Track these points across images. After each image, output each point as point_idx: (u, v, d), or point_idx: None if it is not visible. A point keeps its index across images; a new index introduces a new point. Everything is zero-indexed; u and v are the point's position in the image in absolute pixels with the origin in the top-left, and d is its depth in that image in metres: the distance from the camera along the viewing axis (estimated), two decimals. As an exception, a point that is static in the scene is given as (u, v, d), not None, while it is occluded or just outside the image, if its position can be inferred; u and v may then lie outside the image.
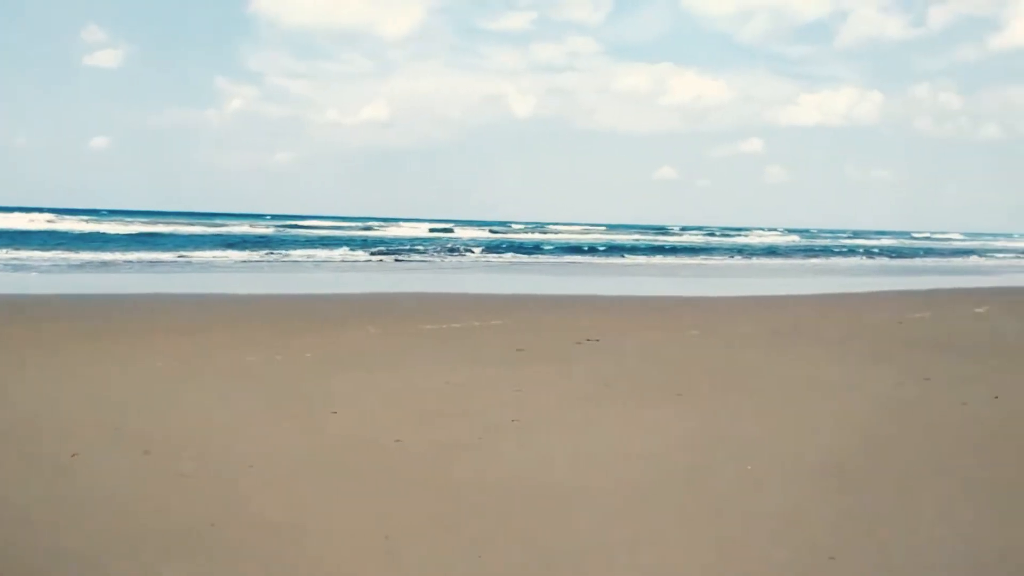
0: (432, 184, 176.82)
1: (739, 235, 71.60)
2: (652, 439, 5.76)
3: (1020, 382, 7.69)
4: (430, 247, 37.81)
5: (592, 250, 41.14)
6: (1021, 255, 52.73)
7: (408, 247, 37.81)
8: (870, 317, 13.62)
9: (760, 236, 71.03)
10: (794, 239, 67.39)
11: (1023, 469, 5.18)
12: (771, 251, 47.26)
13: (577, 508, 4.41)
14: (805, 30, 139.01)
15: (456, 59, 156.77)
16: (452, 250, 35.93)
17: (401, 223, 65.12)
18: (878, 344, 10.42)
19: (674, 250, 43.10)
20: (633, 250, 42.36)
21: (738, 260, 38.89)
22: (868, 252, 50.67)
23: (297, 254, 31.06)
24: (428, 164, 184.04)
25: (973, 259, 46.67)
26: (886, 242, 68.19)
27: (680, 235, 69.61)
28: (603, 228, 74.29)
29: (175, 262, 25.96)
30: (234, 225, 52.87)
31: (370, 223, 61.62)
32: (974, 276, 28.96)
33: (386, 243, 40.29)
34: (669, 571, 3.68)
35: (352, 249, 34.78)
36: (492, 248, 38.85)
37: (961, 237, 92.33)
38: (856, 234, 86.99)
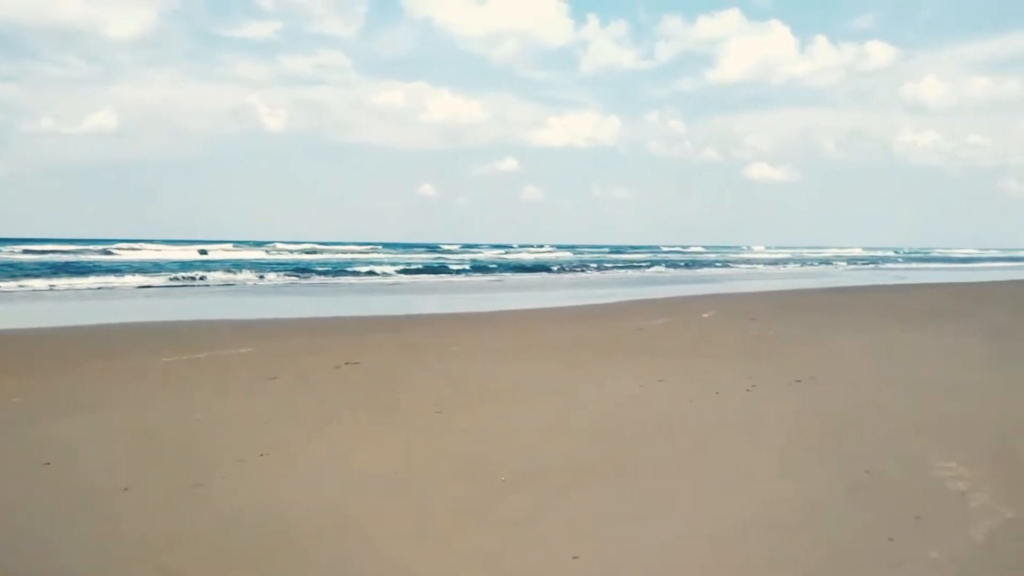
0: (178, 202, 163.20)
1: (508, 252, 74.45)
2: (409, 461, 5.70)
3: (735, 379, 8.68)
4: (179, 270, 34.88)
5: (373, 272, 40.34)
6: (747, 264, 60.76)
7: (154, 270, 34.66)
8: (616, 325, 14.73)
9: (534, 253, 74.24)
10: (567, 255, 71.18)
11: (744, 456, 5.81)
12: (543, 266, 49.39)
13: (325, 539, 4.22)
14: (551, 56, 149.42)
15: (195, 67, 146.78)
16: (202, 274, 33.20)
17: (142, 244, 58.90)
18: (620, 349, 11.29)
19: (445, 269, 43.59)
20: (415, 271, 42.11)
21: (521, 276, 40.18)
22: (656, 263, 55.28)
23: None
24: (170, 180, 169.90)
25: (707, 269, 52.54)
26: (641, 256, 74.41)
27: (466, 252, 70.57)
28: (374, 247, 73.66)
29: None
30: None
31: (109, 245, 55.31)
32: (707, 284, 32.53)
33: (129, 267, 36.56)
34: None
35: (75, 276, 30.33)
36: (251, 269, 36.75)
37: (702, 249, 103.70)
38: (615, 249, 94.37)
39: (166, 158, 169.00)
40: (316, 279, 33.65)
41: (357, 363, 9.73)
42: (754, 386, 8.31)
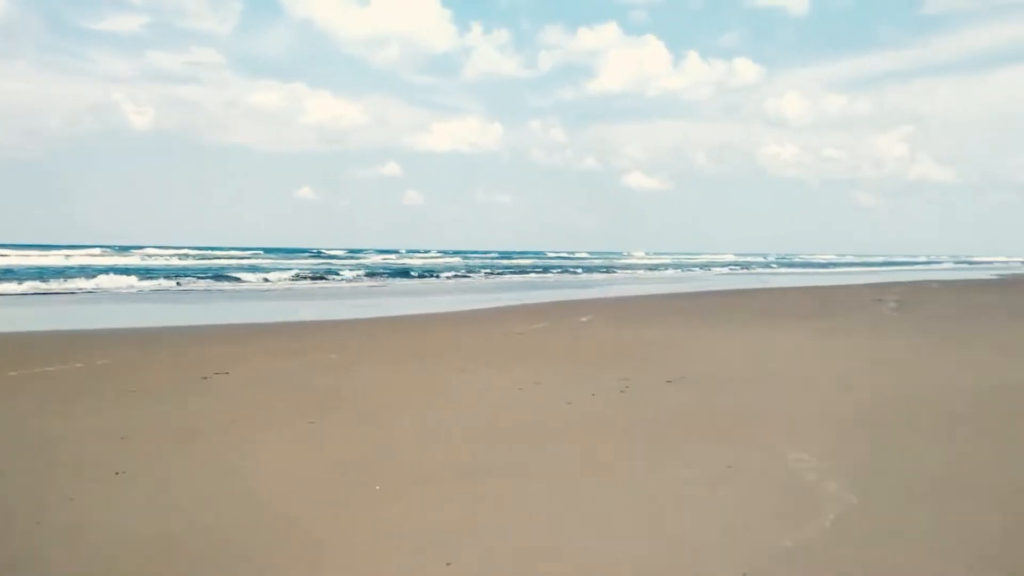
0: (33, 203, 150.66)
1: (399, 257, 73.59)
2: (279, 474, 5.49)
3: (610, 380, 8.91)
4: (37, 277, 32.25)
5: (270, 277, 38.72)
6: (628, 269, 62.70)
7: (7, 277, 31.94)
8: (497, 329, 14.82)
9: (422, 259, 73.60)
10: (455, 260, 70.97)
11: (616, 455, 5.94)
12: (430, 272, 49.03)
13: (187, 563, 3.98)
14: (435, 62, 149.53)
15: (52, 60, 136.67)
16: (63, 280, 30.81)
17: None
18: (500, 354, 11.36)
19: (330, 274, 42.45)
20: (298, 276, 40.69)
21: (408, 282, 39.66)
22: (540, 269, 55.79)
23: None
24: (22, 180, 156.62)
25: (590, 275, 53.81)
26: (528, 261, 75.33)
27: (352, 258, 68.96)
28: (255, 252, 70.96)
29: None
30: None
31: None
32: (588, 289, 33.31)
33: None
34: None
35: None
36: (120, 274, 34.47)
37: (587, 255, 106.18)
38: (503, 255, 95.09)
39: (15, 156, 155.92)
40: (191, 285, 32.01)
41: (227, 373, 9.31)
42: (628, 387, 8.55)
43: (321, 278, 39.71)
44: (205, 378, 9.02)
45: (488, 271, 52.29)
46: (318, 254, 74.78)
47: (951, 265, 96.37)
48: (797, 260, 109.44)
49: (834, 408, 7.57)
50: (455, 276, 46.07)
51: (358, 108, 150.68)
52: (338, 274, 42.18)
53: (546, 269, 57.74)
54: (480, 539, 4.32)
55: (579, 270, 58.92)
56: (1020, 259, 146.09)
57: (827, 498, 4.88)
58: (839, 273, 58.45)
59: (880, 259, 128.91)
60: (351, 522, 4.59)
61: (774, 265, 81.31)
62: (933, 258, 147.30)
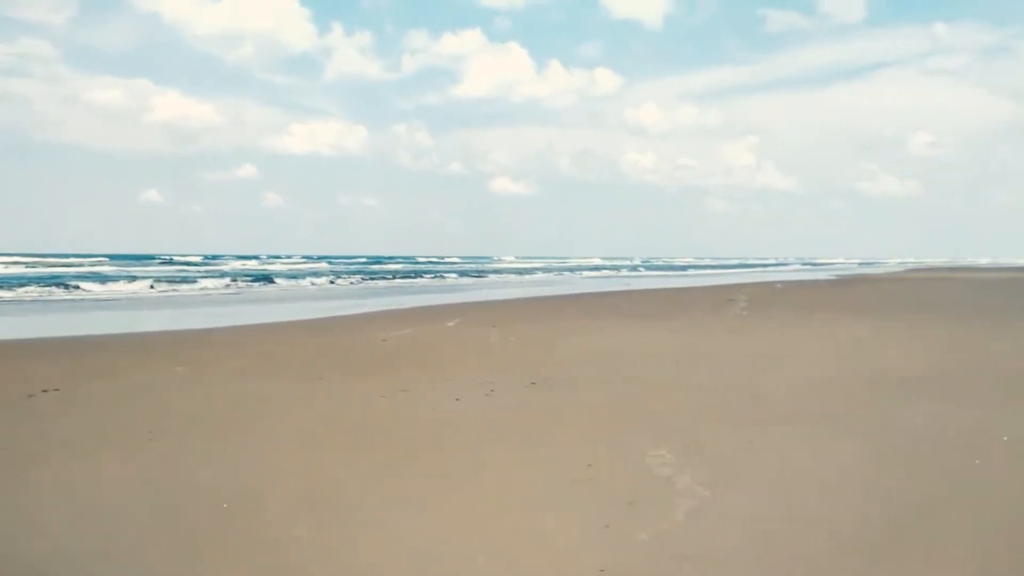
0: None
1: (262, 264, 70.70)
2: (116, 496, 5.05)
3: (475, 385, 8.83)
4: None
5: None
6: (497, 274, 63.26)
7: None
8: (361, 336, 14.44)
9: (286, 264, 70.91)
10: (323, 266, 68.80)
11: (479, 458, 5.85)
12: (292, 277, 47.31)
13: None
14: (293, 62, 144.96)
15: None
16: None
17: None
18: (363, 360, 11.05)
19: (185, 281, 40.03)
20: (145, 283, 38.06)
21: (267, 288, 37.98)
22: (410, 274, 54.76)
23: None
24: None
25: (459, 279, 53.84)
26: (397, 267, 74.28)
27: (209, 264, 65.29)
28: (99, 259, 65.95)
29: None
30: None
31: None
32: (456, 293, 33.24)
33: None
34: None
35: None
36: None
37: (458, 260, 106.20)
38: (373, 260, 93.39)
39: None
40: (23, 294, 29.24)
41: (57, 390, 8.48)
42: (493, 391, 8.50)
43: (171, 284, 37.50)
44: (31, 396, 8.17)
45: (355, 276, 51.19)
46: (171, 261, 70.28)
47: (798, 267, 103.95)
48: (660, 263, 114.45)
49: (690, 406, 7.84)
50: (321, 281, 44.79)
51: (211, 108, 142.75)
52: (195, 281, 39.92)
53: (416, 274, 57.27)
54: (335, 554, 4.10)
55: (448, 275, 58.86)
56: (856, 260, 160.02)
57: (681, 492, 5.00)
58: (697, 275, 61.61)
59: (734, 262, 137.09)
60: (192, 544, 4.28)
61: (642, 269, 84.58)
62: (781, 260, 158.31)
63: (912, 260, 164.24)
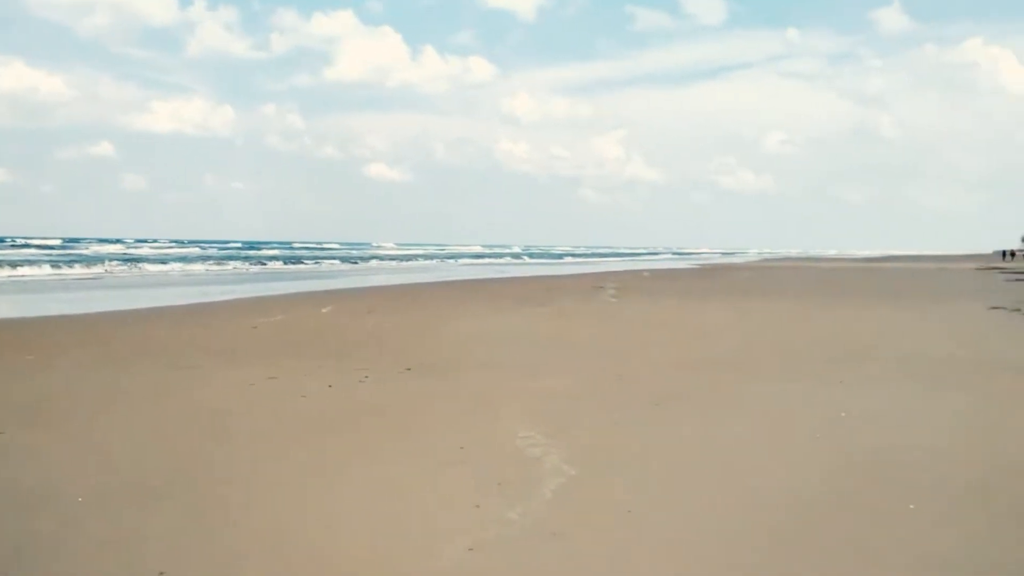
0: None
1: (116, 247, 66.28)
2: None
3: (349, 371, 8.76)
4: None
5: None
6: (376, 260, 62.30)
7: None
8: (230, 323, 13.93)
9: (155, 249, 66.73)
10: (193, 250, 65.27)
11: (349, 445, 5.82)
12: (161, 262, 44.74)
13: None
14: (152, 35, 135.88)
15: None
16: None
17: None
18: (231, 348, 10.69)
19: (35, 264, 36.91)
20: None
21: (133, 274, 35.63)
22: (285, 259, 52.81)
23: None
24: None
25: (336, 265, 52.65)
26: (273, 252, 71.61)
27: (68, 248, 60.23)
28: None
29: None
30: None
31: None
32: (332, 279, 32.51)
33: None
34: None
35: None
36: None
37: (337, 246, 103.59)
38: (249, 245, 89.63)
39: None
40: None
41: None
42: (367, 377, 8.45)
43: (31, 267, 34.65)
44: None
45: (228, 262, 49.05)
46: (25, 245, 64.19)
47: (668, 256, 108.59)
48: (537, 251, 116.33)
49: (560, 389, 8.10)
50: (193, 267, 42.67)
51: (60, 80, 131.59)
52: (56, 265, 37.02)
53: (293, 260, 55.55)
54: (197, 547, 4.00)
55: (327, 261, 57.46)
56: (719, 251, 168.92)
57: (550, 472, 5.19)
58: (572, 264, 63.18)
59: (607, 251, 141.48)
60: (45, 541, 4.04)
61: (525, 257, 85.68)
62: (652, 250, 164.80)
63: (768, 251, 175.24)
